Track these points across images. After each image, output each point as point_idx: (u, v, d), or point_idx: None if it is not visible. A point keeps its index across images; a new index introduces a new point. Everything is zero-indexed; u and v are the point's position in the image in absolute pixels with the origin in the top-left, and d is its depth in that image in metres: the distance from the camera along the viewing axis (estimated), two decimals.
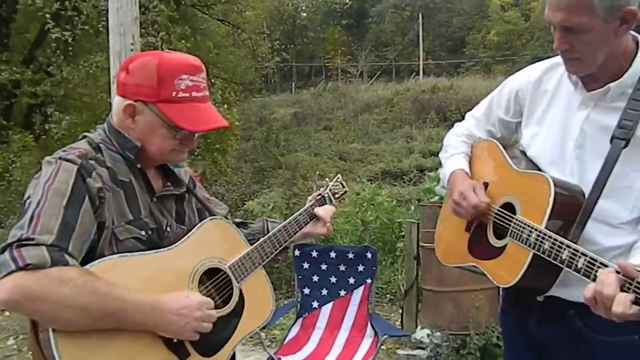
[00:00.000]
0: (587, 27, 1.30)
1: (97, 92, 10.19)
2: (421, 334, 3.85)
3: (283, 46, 16.69)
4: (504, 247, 1.46)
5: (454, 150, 1.71)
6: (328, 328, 3.15)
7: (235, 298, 1.38)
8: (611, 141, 1.34)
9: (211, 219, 1.42)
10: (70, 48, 10.54)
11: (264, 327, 1.52)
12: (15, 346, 4.23)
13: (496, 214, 1.51)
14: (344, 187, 1.82)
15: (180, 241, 1.32)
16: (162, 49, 9.67)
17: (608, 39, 1.33)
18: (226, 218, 1.54)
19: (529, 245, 1.36)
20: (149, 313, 1.17)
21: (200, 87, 1.32)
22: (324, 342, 3.07)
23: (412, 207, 5.81)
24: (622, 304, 1.09)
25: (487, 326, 3.64)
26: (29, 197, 1.18)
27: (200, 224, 1.38)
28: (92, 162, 1.23)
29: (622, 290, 1.11)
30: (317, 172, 2.03)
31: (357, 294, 3.18)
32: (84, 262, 1.15)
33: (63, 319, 1.08)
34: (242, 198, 10.16)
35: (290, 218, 1.60)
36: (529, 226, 1.37)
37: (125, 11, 4.48)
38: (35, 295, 1.05)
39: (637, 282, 1.09)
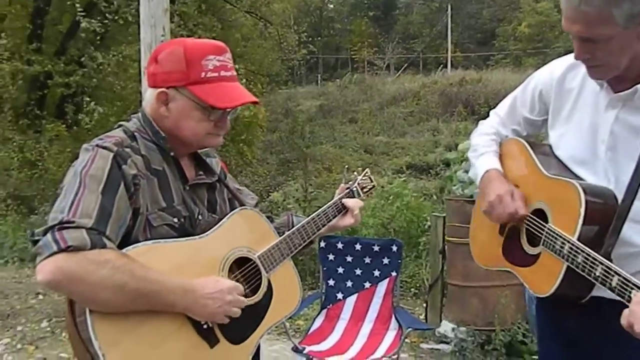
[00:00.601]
0: (607, 37, 1.26)
1: (127, 83, 10.37)
2: (446, 328, 3.83)
3: (310, 38, 16.61)
4: (538, 255, 1.43)
5: (484, 149, 1.67)
6: (352, 319, 3.16)
7: (263, 288, 1.39)
8: None
9: (242, 209, 1.44)
10: (100, 38, 10.74)
11: (289, 317, 1.53)
12: (48, 328, 4.37)
13: (528, 220, 1.48)
14: (372, 181, 1.82)
15: (211, 230, 1.34)
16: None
17: (631, 44, 1.28)
18: (256, 207, 1.55)
19: (563, 257, 1.33)
20: (182, 295, 1.19)
21: (228, 67, 1.34)
22: (347, 333, 3.08)
23: (436, 199, 5.74)
24: None
25: (512, 322, 3.60)
26: (67, 182, 1.22)
27: (231, 213, 1.40)
28: (127, 149, 1.26)
29: None
30: (346, 166, 2.02)
31: (382, 286, 3.17)
32: (119, 248, 1.18)
33: (100, 299, 1.11)
34: (267, 189, 10.25)
35: (318, 210, 1.61)
36: (561, 237, 1.33)
37: (156, 3, 4.53)
38: (76, 276, 1.08)
39: None
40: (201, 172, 1.44)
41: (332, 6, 34.97)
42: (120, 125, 1.37)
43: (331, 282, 3.23)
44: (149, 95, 1.36)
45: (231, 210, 1.44)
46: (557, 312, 1.53)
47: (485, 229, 1.64)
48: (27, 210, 8.75)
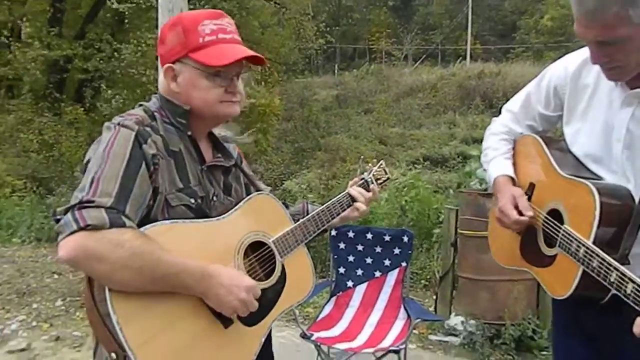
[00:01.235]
0: (626, 37, 1.24)
1: (145, 69, 10.43)
2: (455, 320, 3.82)
3: (328, 27, 16.53)
4: (555, 256, 1.42)
5: (494, 153, 1.65)
6: (361, 307, 3.16)
7: (277, 272, 1.41)
8: None
9: (259, 194, 1.45)
10: (119, 23, 10.78)
11: (299, 304, 1.54)
12: (63, 307, 4.46)
13: (544, 220, 1.46)
14: (386, 173, 1.81)
15: (229, 212, 1.36)
16: None
17: None
18: None
19: (578, 260, 1.31)
20: (199, 279, 1.20)
21: (227, 30, 1.34)
22: (356, 321, 3.09)
23: (451, 192, 5.71)
24: None
25: (523, 317, 3.57)
26: (89, 161, 1.24)
27: (248, 197, 1.42)
28: (148, 129, 1.27)
29: None
30: (362, 157, 2.01)
31: (392, 275, 3.17)
32: (139, 226, 1.19)
33: (118, 279, 1.12)
34: (281, 178, 10.27)
35: (333, 199, 1.61)
36: (576, 240, 1.32)
37: None
38: (94, 254, 1.10)
39: None
40: (219, 155, 1.45)
41: None
42: (140, 105, 1.38)
43: (341, 270, 3.24)
44: (161, 75, 1.37)
45: (246, 195, 1.45)
46: (575, 308, 1.51)
47: (503, 228, 1.63)
48: (45, 191, 8.89)
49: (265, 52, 13.02)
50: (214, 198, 1.38)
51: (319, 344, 2.80)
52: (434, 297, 4.32)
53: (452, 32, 29.92)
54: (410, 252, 3.20)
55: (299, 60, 17.38)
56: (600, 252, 1.26)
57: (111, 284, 1.14)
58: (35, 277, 5.30)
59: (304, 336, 2.80)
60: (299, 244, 1.47)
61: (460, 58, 25.75)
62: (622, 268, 1.21)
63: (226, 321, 1.28)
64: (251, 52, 1.33)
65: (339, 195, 1.63)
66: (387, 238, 3.21)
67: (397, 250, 3.18)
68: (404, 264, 3.18)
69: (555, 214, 1.44)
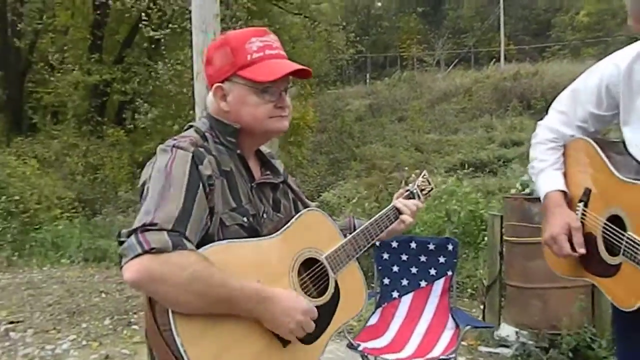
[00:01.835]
0: None
1: (181, 88, 10.70)
2: (506, 331, 3.68)
3: (358, 37, 16.56)
4: (619, 265, 1.34)
5: (542, 165, 1.58)
6: (408, 317, 3.10)
7: (331, 289, 1.40)
8: None
9: (309, 210, 1.45)
10: (154, 47, 11.11)
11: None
12: (111, 326, 4.55)
13: (604, 227, 1.39)
14: (430, 183, 1.79)
15: (281, 230, 1.36)
16: None
17: None
18: None
19: None
20: (257, 303, 1.22)
21: (273, 46, 1.35)
22: (403, 331, 3.02)
23: (493, 199, 5.56)
24: None
25: (578, 327, 3.41)
26: (145, 183, 1.25)
27: (299, 214, 1.42)
28: (202, 149, 1.28)
29: None
30: (406, 168, 1.99)
31: (438, 285, 3.10)
32: (197, 247, 1.21)
33: (181, 301, 1.14)
34: (318, 190, 10.28)
35: (380, 213, 1.61)
36: None
37: (207, 9, 4.64)
38: (159, 277, 1.12)
39: None
40: (267, 172, 1.45)
41: (379, 4, 34.68)
42: (191, 126, 1.39)
43: (386, 281, 3.19)
44: (210, 95, 1.38)
45: (295, 211, 1.46)
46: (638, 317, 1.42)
47: None
48: (90, 213, 9.19)
49: None
50: (264, 215, 1.38)
51: (366, 354, 2.75)
52: (482, 306, 4.18)
53: (484, 34, 29.43)
54: (455, 260, 3.14)
55: (330, 72, 17.48)
56: None
57: (174, 306, 1.15)
58: (84, 296, 5.45)
59: (350, 346, 2.76)
60: (350, 259, 1.46)
61: (494, 60, 25.28)
62: None
63: (285, 340, 1.29)
64: (298, 66, 1.35)
65: (386, 209, 1.62)
66: (431, 247, 3.16)
67: (442, 259, 3.12)
68: (449, 273, 3.12)
69: (616, 220, 1.36)
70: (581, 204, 1.48)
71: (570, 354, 3.36)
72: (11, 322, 4.62)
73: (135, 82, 11.79)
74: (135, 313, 4.82)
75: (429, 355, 2.70)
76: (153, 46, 10.98)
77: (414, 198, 1.69)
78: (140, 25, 10.07)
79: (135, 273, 1.11)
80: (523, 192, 3.92)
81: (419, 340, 2.93)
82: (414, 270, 3.16)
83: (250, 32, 1.35)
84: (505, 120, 16.32)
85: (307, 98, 12.62)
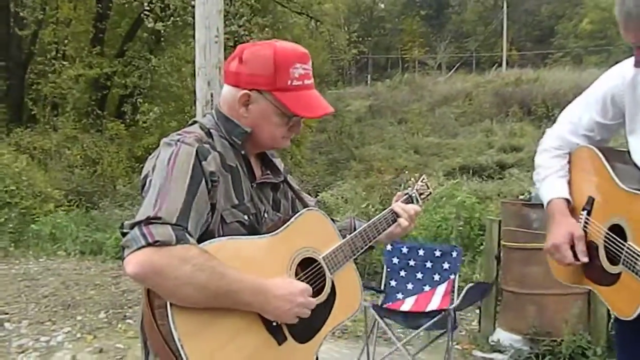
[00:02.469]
0: None
1: (182, 83, 10.67)
2: (500, 336, 3.69)
3: (360, 38, 16.57)
4: (619, 275, 1.35)
5: (547, 172, 1.58)
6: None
7: (327, 289, 1.41)
8: None
9: (309, 210, 1.45)
10: (156, 41, 11.08)
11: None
12: (106, 319, 4.54)
13: (606, 236, 1.39)
14: (428, 188, 1.80)
15: (280, 229, 1.36)
16: (244, 39, 9.91)
17: None
18: None
19: None
20: (257, 295, 1.22)
21: (310, 75, 1.37)
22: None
23: (491, 204, 5.56)
24: None
25: (574, 333, 3.41)
26: (147, 176, 1.25)
27: (298, 213, 1.42)
28: (206, 145, 1.28)
29: None
30: (405, 171, 2.00)
31: (441, 288, 3.31)
32: (198, 242, 1.21)
33: (182, 294, 1.14)
34: (316, 189, 10.27)
35: (378, 216, 1.61)
36: None
37: (210, 4, 4.63)
38: (161, 270, 1.12)
39: None
40: (268, 172, 1.46)
41: (382, 6, 34.70)
42: (195, 122, 1.39)
43: (393, 283, 3.43)
44: (228, 93, 1.37)
45: (294, 210, 1.47)
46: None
47: None
48: (88, 206, 9.17)
49: None
50: (265, 215, 1.39)
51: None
52: (477, 310, 4.19)
53: (487, 39, 29.49)
54: (458, 265, 3.35)
55: (331, 72, 17.46)
56: None
57: (175, 299, 1.15)
58: (80, 289, 5.44)
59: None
60: (347, 260, 1.47)
61: (496, 65, 25.33)
62: None
63: (280, 338, 1.29)
64: (332, 109, 1.39)
65: (384, 212, 1.63)
66: (437, 253, 3.39)
67: (446, 265, 3.36)
68: (452, 277, 3.30)
69: (618, 230, 1.36)
70: (584, 213, 1.49)
71: None
72: (6, 313, 4.62)
73: (135, 76, 11.76)
74: (130, 307, 4.82)
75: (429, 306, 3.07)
76: (153, 37, 10.95)
77: (412, 202, 1.69)
78: (142, 15, 10.05)
79: (138, 265, 1.11)
80: (522, 198, 3.92)
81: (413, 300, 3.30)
82: (419, 275, 3.40)
83: (296, 55, 1.34)
84: (505, 125, 16.34)
85: None
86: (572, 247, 1.46)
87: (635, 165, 1.41)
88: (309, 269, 1.40)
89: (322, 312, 1.38)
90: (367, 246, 1.54)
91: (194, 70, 5.03)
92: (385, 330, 3.12)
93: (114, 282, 5.66)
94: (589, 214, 1.48)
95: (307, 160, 13.82)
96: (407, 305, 3.30)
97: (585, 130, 1.56)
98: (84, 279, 5.86)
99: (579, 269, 1.49)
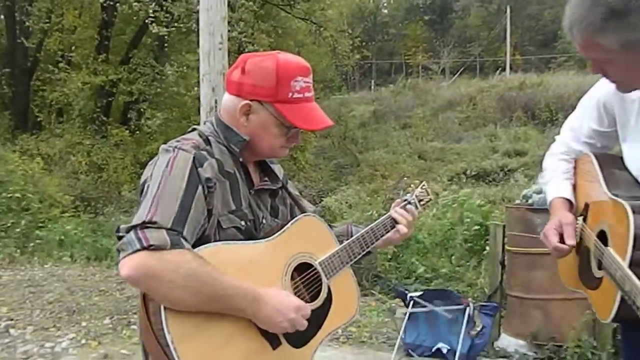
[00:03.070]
0: (607, 59, 1.21)
1: (186, 90, 10.72)
2: (506, 342, 3.67)
3: (363, 43, 16.61)
4: (601, 279, 1.36)
5: (551, 174, 1.60)
6: None
7: (323, 294, 1.41)
8: None
9: (306, 215, 1.46)
10: (161, 48, 11.14)
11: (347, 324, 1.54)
12: (110, 325, 4.55)
13: (595, 242, 1.40)
14: (428, 194, 1.81)
15: (276, 234, 1.37)
16: (246, 45, 9.91)
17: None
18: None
19: (616, 283, 1.25)
20: (251, 302, 1.23)
21: (310, 88, 1.39)
22: None
23: (496, 209, 5.55)
24: None
25: (579, 339, 3.39)
26: (145, 182, 1.27)
27: (295, 219, 1.43)
28: (204, 152, 1.30)
29: None
30: (404, 177, 2.00)
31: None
32: (193, 247, 1.23)
33: (176, 298, 1.16)
34: (320, 194, 10.28)
35: (377, 221, 1.62)
36: (615, 262, 1.26)
37: (215, 11, 4.66)
38: (155, 273, 1.13)
39: None
40: (266, 178, 1.47)
41: (386, 11, 34.81)
42: (194, 129, 1.41)
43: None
44: (229, 102, 1.39)
45: (292, 216, 1.47)
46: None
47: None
48: (93, 212, 9.21)
49: None
50: (263, 221, 1.40)
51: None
52: None
53: (491, 43, 29.49)
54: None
55: (335, 77, 17.49)
56: (632, 275, 1.18)
57: (168, 302, 1.17)
58: (85, 295, 5.45)
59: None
60: (344, 266, 1.47)
61: (500, 69, 25.32)
62: None
63: (274, 342, 1.29)
64: (331, 122, 1.41)
65: (382, 217, 1.63)
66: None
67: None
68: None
69: (603, 235, 1.38)
70: (581, 219, 1.50)
71: None
72: (11, 319, 4.63)
73: (140, 83, 11.83)
74: (135, 313, 4.82)
75: None
76: (156, 43, 11.03)
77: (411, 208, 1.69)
78: (147, 21, 10.13)
79: (132, 269, 1.13)
80: (526, 203, 3.91)
81: None
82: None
83: (299, 68, 1.36)
84: (509, 130, 16.29)
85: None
86: (560, 234, 1.46)
87: (629, 171, 1.41)
88: (304, 273, 1.40)
89: (318, 317, 1.38)
90: (364, 252, 1.54)
91: (199, 77, 5.06)
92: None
93: (118, 288, 5.66)
94: (584, 220, 1.49)
95: (311, 166, 13.84)
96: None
97: (585, 137, 1.57)
98: (89, 285, 5.87)
99: (576, 273, 1.50)
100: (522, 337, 3.58)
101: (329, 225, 1.58)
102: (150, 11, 9.95)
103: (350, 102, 21.58)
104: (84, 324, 4.57)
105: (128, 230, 1.16)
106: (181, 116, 11.99)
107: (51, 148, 11.24)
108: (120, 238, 1.17)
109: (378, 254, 5.23)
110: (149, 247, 1.13)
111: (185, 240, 1.18)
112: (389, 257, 5.34)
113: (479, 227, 5.34)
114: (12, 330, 4.36)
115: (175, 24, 10.26)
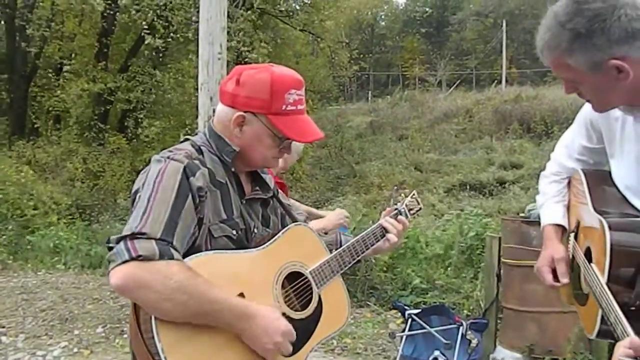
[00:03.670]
0: (577, 80, 1.25)
1: (184, 98, 10.73)
2: (502, 354, 3.66)
3: (361, 55, 16.73)
4: (587, 295, 1.38)
5: (543, 199, 1.62)
6: None
7: (314, 303, 1.42)
8: None
9: (296, 225, 1.48)
10: (160, 57, 11.17)
11: (337, 333, 1.54)
12: (103, 334, 4.51)
13: (583, 259, 1.42)
14: (418, 203, 1.82)
15: (267, 243, 1.38)
16: (245, 55, 9.94)
17: (612, 85, 1.22)
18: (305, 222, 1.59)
19: (596, 299, 1.26)
20: (239, 318, 1.23)
21: (302, 101, 1.41)
22: None
23: (492, 221, 5.55)
24: None
25: (575, 352, 3.39)
26: (137, 191, 1.28)
27: (286, 228, 1.44)
28: (196, 162, 1.31)
29: None
30: (395, 187, 2.03)
31: None
32: (186, 255, 1.23)
33: (163, 309, 1.16)
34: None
35: (367, 230, 1.63)
36: (595, 278, 1.27)
37: (214, 21, 4.69)
38: (143, 284, 1.14)
39: None
40: (257, 188, 1.48)
41: (383, 24, 35.09)
42: (187, 139, 1.43)
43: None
44: (223, 112, 1.40)
45: (283, 226, 1.48)
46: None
47: None
48: (88, 219, 9.16)
49: None
50: (255, 230, 1.41)
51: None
52: None
53: (487, 56, 29.75)
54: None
55: (332, 88, 17.57)
56: (607, 291, 1.19)
57: (157, 313, 1.17)
58: (78, 303, 5.40)
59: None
60: (335, 275, 1.48)
61: (496, 82, 25.50)
62: (619, 311, 1.12)
63: None
64: (322, 135, 1.45)
65: (372, 227, 1.65)
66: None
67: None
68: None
69: (589, 253, 1.40)
70: (572, 236, 1.52)
71: None
72: (3, 327, 4.58)
73: (139, 91, 11.84)
74: (128, 322, 4.78)
75: None
76: (154, 53, 11.07)
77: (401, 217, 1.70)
78: (142, 33, 10.17)
79: (120, 279, 1.13)
80: (523, 216, 3.92)
81: None
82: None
83: (293, 81, 1.38)
84: (505, 142, 16.38)
85: (309, 113, 12.69)
86: (555, 270, 1.49)
87: (616, 187, 1.42)
88: (295, 282, 1.41)
89: (308, 326, 1.39)
90: (355, 261, 1.55)
91: (197, 85, 5.08)
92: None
93: (112, 296, 5.62)
94: (575, 237, 1.50)
95: (308, 176, 13.84)
96: None
97: (577, 154, 1.58)
98: (82, 293, 5.82)
99: (569, 289, 1.51)
100: (518, 349, 3.57)
101: (319, 234, 1.59)
102: (148, 21, 9.99)
103: (348, 113, 21.67)
104: (76, 332, 4.53)
105: (118, 241, 1.17)
106: (179, 124, 12.00)
107: (47, 154, 11.21)
108: (110, 249, 1.18)
109: (374, 265, 5.22)
110: (138, 258, 1.14)
111: (176, 250, 1.19)
112: (385, 268, 5.33)
113: (475, 234, 5.34)
114: (3, 338, 4.32)
115: (172, 35, 10.30)
